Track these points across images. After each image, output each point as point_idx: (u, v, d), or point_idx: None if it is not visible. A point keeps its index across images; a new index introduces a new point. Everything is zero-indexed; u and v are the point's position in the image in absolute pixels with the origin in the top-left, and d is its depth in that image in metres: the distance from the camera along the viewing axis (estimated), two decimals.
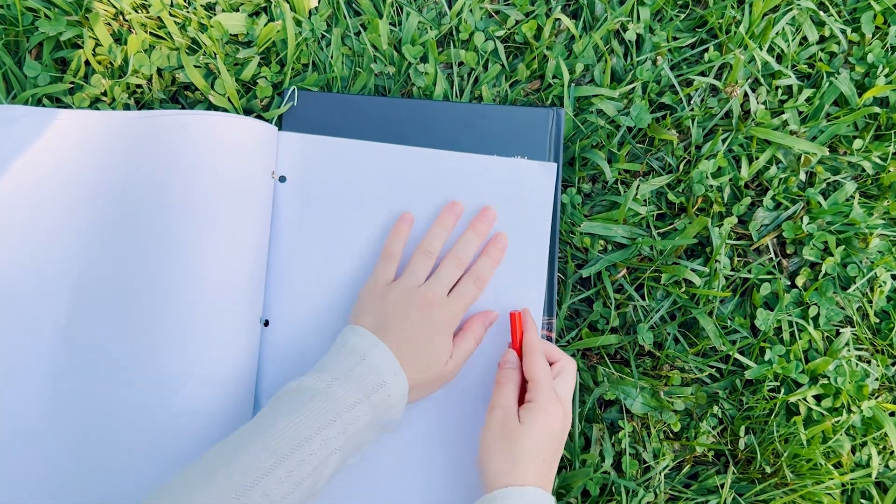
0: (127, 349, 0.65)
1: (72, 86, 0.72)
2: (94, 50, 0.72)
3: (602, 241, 0.75)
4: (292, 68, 0.74)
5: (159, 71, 0.72)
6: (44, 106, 0.71)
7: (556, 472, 0.63)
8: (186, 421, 0.64)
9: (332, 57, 0.74)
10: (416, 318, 0.64)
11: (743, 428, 0.75)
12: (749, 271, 0.76)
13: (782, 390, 0.75)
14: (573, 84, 0.76)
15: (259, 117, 0.73)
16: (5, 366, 0.66)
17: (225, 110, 0.72)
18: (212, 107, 0.73)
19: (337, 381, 0.58)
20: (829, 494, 0.74)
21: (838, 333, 0.77)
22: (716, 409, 0.75)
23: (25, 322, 0.66)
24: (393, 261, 0.69)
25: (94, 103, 0.72)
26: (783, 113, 0.78)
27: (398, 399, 0.61)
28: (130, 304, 0.66)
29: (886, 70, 0.79)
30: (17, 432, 0.65)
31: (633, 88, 0.76)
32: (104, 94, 0.72)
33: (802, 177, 0.78)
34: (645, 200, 0.76)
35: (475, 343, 0.68)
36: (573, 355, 0.74)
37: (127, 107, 0.72)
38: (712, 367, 0.75)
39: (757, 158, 0.77)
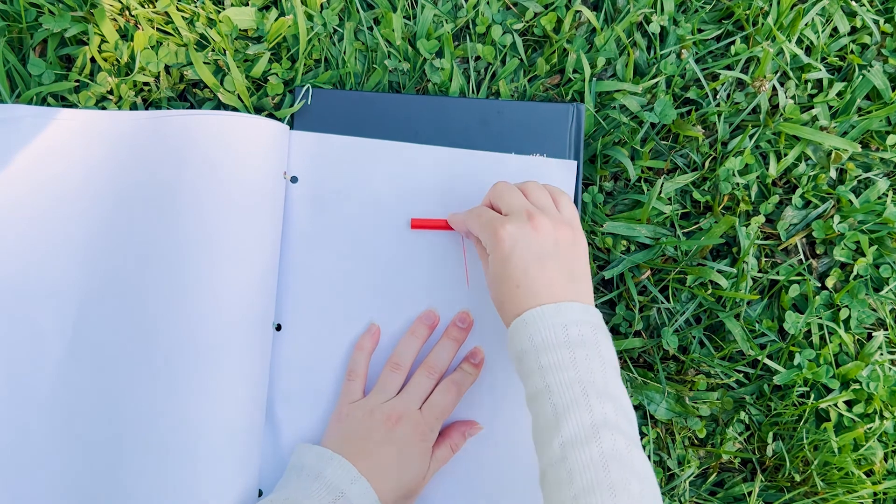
0: (135, 357, 0.63)
1: (77, 84, 0.70)
2: (99, 47, 0.70)
3: (625, 242, 0.72)
4: (304, 64, 0.71)
5: (167, 68, 0.70)
6: (48, 105, 0.69)
7: (587, 284, 0.59)
8: (197, 428, 0.62)
9: (344, 52, 0.72)
10: (381, 436, 0.61)
11: (771, 434, 0.72)
12: (777, 272, 0.74)
13: (812, 396, 0.73)
14: (594, 79, 0.73)
15: (271, 116, 0.70)
16: (10, 375, 0.64)
17: (235, 109, 0.70)
18: (221, 105, 0.70)
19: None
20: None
21: (870, 337, 0.74)
22: (743, 414, 0.72)
23: (30, 331, 0.64)
24: (357, 378, 0.66)
25: (101, 102, 0.70)
26: (813, 108, 0.75)
27: None
28: (138, 311, 0.64)
29: None
30: (23, 442, 0.63)
31: (657, 83, 0.73)
32: (111, 92, 0.70)
33: (833, 174, 0.75)
34: (669, 199, 0.73)
35: (451, 453, 0.66)
36: None
37: (134, 105, 0.70)
38: (739, 371, 0.73)
39: (785, 155, 0.74)
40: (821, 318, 0.73)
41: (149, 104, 0.71)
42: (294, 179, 0.70)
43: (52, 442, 0.63)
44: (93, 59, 0.70)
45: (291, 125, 0.71)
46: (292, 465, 0.62)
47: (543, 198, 0.61)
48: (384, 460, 0.60)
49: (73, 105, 0.69)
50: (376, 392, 0.65)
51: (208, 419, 0.62)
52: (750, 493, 0.72)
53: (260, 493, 0.67)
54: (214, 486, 0.62)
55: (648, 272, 0.72)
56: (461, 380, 0.66)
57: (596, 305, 0.72)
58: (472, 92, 0.73)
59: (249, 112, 0.70)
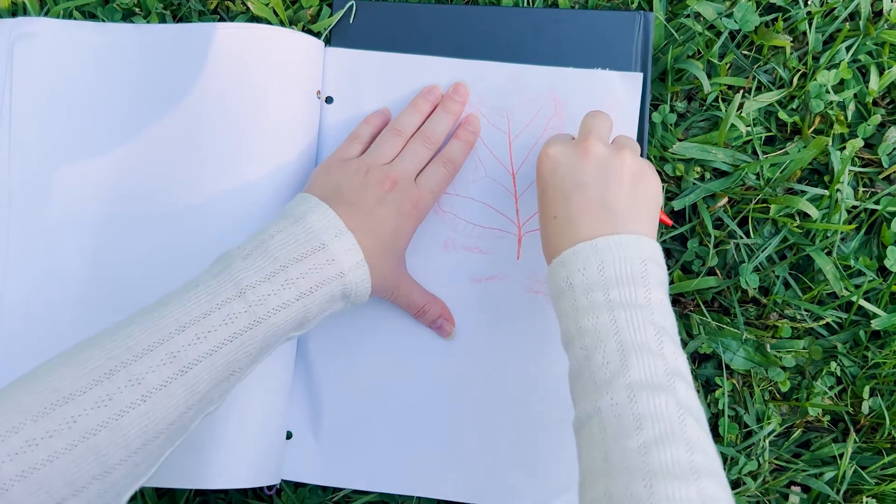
0: (158, 287, 0.59)
1: None
2: None
3: (699, 168, 0.64)
4: None
5: None
6: (74, 20, 0.65)
7: (654, 226, 0.51)
8: None
9: None
10: (375, 196, 0.54)
11: (867, 389, 0.63)
12: (877, 202, 0.64)
13: None
14: None
15: (309, 32, 0.65)
16: (28, 312, 0.61)
17: (268, 22, 0.65)
18: (254, 19, 0.65)
19: (261, 248, 0.49)
20: None
21: None
22: (834, 365, 0.63)
23: (50, 263, 0.61)
24: (358, 142, 0.60)
25: (128, 17, 0.65)
26: None
27: (350, 265, 0.51)
28: (161, 236, 0.60)
29: None
30: None
31: None
32: (138, 5, 0.65)
33: None
34: (752, 121, 0.64)
35: (415, 311, 0.61)
36: None
37: (162, 19, 0.65)
38: (830, 315, 0.64)
39: (889, 68, 0.64)
40: None
41: (178, 19, 0.66)
42: (329, 100, 0.64)
43: None
44: None
45: (328, 41, 0.65)
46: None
47: (628, 139, 0.54)
48: (377, 221, 0.54)
49: (100, 20, 0.65)
50: (371, 152, 0.58)
51: None
52: (841, 455, 0.63)
53: (289, 436, 0.62)
54: (239, 426, 0.58)
55: (725, 201, 0.63)
56: (456, 152, 0.61)
57: (665, 241, 0.64)
58: (528, 3, 0.66)
59: (285, 26, 0.65)
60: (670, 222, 0.61)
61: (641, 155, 0.61)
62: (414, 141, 0.59)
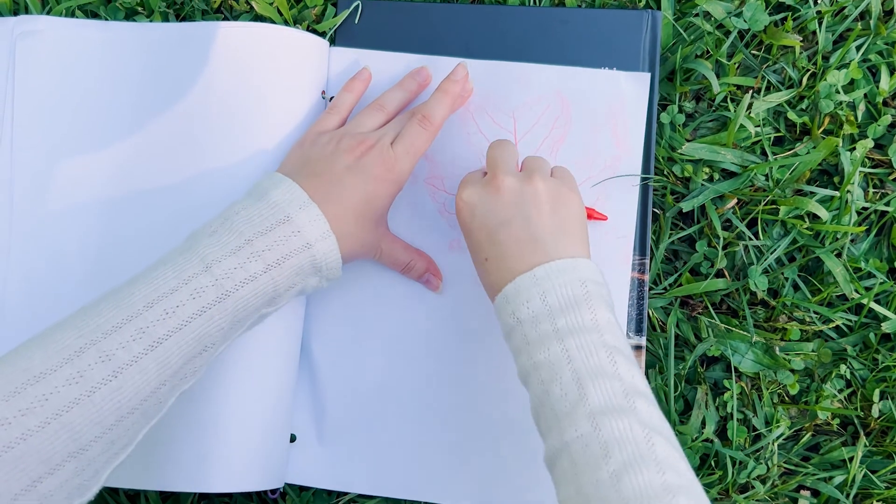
0: None
1: None
2: None
3: (707, 169, 0.63)
4: None
5: None
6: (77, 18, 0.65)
7: (584, 242, 0.51)
8: (223, 365, 0.57)
9: None
10: (345, 164, 0.53)
11: (877, 392, 0.62)
12: (888, 204, 0.63)
13: None
14: None
15: (314, 31, 0.64)
16: (31, 297, 0.60)
17: (273, 22, 0.64)
18: (258, 18, 0.65)
19: (226, 224, 0.49)
20: None
21: None
22: (843, 368, 0.63)
23: (51, 254, 0.61)
24: (336, 113, 0.59)
25: (131, 16, 0.65)
26: None
27: (316, 236, 0.50)
28: (161, 235, 0.59)
29: None
30: None
31: None
32: (141, 5, 0.65)
33: None
34: (761, 122, 0.63)
35: (401, 267, 0.60)
36: (670, 304, 0.63)
37: (165, 17, 0.65)
38: (840, 318, 0.63)
39: None
40: None
41: (182, 18, 0.65)
42: None
43: None
44: None
45: (333, 41, 0.65)
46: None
47: (535, 161, 0.55)
48: (346, 190, 0.52)
49: (102, 19, 0.65)
50: (349, 125, 0.57)
51: (236, 356, 0.57)
52: (851, 459, 0.62)
53: (293, 439, 0.61)
54: (243, 430, 0.57)
55: (734, 202, 0.63)
56: (433, 107, 0.57)
57: (673, 242, 0.64)
58: (534, 2, 0.65)
59: (289, 26, 0.64)
60: (605, 217, 0.61)
61: (647, 155, 0.61)
62: (403, 115, 0.58)
